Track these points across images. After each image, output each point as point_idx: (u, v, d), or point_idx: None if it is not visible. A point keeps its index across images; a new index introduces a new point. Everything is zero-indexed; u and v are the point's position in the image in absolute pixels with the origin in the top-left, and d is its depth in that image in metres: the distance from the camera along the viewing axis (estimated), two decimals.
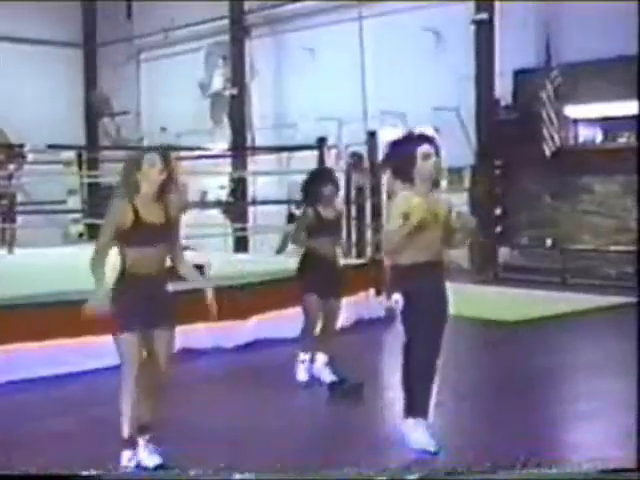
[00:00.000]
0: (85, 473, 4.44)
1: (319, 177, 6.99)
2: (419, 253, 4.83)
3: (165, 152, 4.74)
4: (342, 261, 7.39)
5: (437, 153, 4.92)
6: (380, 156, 12.24)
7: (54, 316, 7.01)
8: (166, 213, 4.65)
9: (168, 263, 4.76)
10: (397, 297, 4.81)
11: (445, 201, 5.08)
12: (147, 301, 4.57)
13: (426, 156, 4.85)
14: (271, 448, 5.08)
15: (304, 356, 6.78)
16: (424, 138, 4.99)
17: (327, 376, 6.69)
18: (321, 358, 6.79)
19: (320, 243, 6.77)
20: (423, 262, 4.86)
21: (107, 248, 4.62)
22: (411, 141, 4.98)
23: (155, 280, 4.63)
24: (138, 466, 4.64)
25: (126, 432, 4.64)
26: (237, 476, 4.39)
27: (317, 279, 6.68)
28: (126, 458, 4.64)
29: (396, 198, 4.94)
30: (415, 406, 4.81)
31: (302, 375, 6.75)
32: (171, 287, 4.79)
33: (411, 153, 4.86)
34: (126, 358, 4.59)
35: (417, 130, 5.29)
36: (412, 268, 4.83)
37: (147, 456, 4.66)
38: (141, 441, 4.69)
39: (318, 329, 6.92)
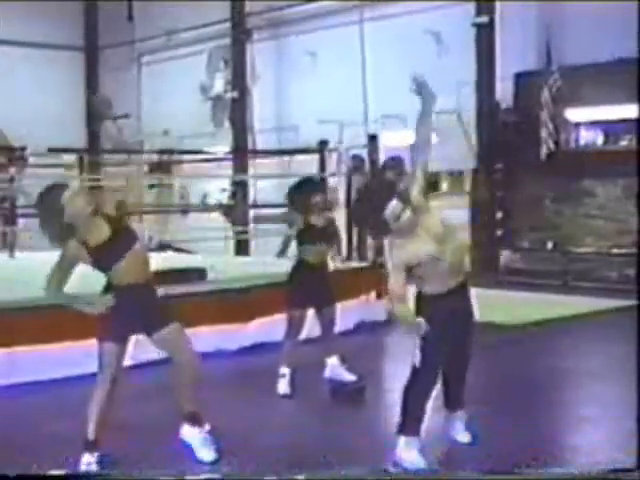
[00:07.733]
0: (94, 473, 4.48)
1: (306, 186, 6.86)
2: (443, 281, 4.72)
3: None
4: (340, 266, 7.32)
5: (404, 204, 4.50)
6: (380, 159, 12.30)
7: (56, 319, 7.01)
8: None
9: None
10: (421, 321, 4.61)
11: (440, 223, 4.73)
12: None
13: (396, 216, 4.50)
14: (279, 449, 5.10)
15: (285, 369, 6.56)
16: (392, 194, 4.53)
17: (347, 376, 6.63)
18: (334, 361, 6.72)
19: (311, 252, 6.71)
20: (447, 291, 4.75)
21: None
22: (378, 201, 4.53)
23: None
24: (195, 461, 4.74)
25: (90, 434, 4.66)
26: (239, 477, 4.40)
27: (307, 290, 6.61)
28: (85, 460, 4.63)
29: (394, 249, 4.68)
30: (410, 425, 4.72)
31: (284, 388, 6.52)
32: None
33: (380, 217, 4.51)
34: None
35: (385, 180, 4.99)
36: (437, 297, 4.70)
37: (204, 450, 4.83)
38: (198, 434, 4.84)
39: (320, 336, 6.90)
